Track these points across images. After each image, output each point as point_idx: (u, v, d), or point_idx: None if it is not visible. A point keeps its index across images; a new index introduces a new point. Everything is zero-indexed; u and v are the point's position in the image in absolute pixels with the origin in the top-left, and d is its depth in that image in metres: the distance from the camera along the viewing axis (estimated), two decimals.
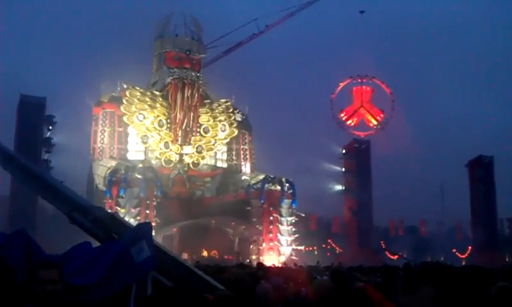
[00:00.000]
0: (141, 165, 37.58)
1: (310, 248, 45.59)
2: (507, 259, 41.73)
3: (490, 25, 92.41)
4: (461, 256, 47.85)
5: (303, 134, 66.20)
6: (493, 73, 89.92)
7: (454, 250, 48.71)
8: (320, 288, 4.26)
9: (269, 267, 15.57)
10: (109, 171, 35.67)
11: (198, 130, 42.45)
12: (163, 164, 40.77)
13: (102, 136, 40.66)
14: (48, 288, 3.36)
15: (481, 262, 22.36)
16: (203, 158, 42.34)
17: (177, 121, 41.58)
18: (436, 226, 57.22)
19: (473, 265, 14.38)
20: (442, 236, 52.55)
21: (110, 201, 34.41)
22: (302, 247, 40.44)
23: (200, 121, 42.58)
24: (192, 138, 42.02)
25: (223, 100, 44.17)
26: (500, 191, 48.82)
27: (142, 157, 40.80)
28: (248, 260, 32.23)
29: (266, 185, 38.29)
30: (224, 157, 44.19)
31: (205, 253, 36.28)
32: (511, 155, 59.12)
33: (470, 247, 48.47)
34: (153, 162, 40.55)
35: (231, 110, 44.04)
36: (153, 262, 4.59)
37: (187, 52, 42.52)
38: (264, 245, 37.48)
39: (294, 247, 38.43)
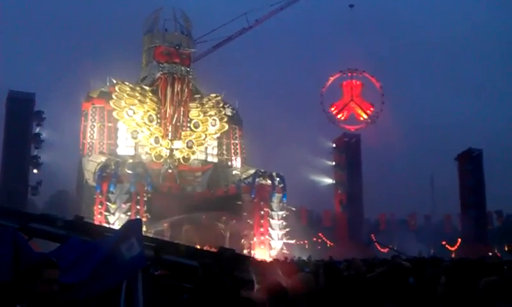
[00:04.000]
0: (131, 160, 37.38)
1: (301, 242, 45.67)
2: (496, 252, 42.06)
3: (482, 21, 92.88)
4: (450, 249, 48.18)
5: (293, 128, 66.29)
6: (484, 68, 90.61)
7: (444, 242, 49.00)
8: (303, 281, 4.41)
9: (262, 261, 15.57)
10: (99, 166, 35.45)
11: (189, 125, 42.31)
12: (153, 159, 40.61)
13: (92, 132, 40.40)
14: (54, 288, 3.31)
15: (470, 255, 22.56)
16: (193, 153, 42.23)
17: (167, 116, 41.41)
18: (425, 218, 57.62)
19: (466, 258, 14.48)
20: (432, 229, 52.90)
21: (100, 196, 34.21)
22: (293, 241, 40.44)
23: (190, 116, 42.44)
24: (183, 133, 41.88)
25: (213, 95, 44.01)
26: (489, 184, 49.24)
27: (132, 152, 40.62)
28: None
29: (257, 180, 38.26)
30: (215, 151, 44.10)
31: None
32: (500, 148, 59.72)
33: (459, 240, 48.78)
34: (144, 157, 40.38)
35: (221, 105, 43.90)
36: (144, 258, 4.59)
37: (177, 47, 42.28)
38: (255, 239, 37.47)
39: (285, 241, 38.45)
